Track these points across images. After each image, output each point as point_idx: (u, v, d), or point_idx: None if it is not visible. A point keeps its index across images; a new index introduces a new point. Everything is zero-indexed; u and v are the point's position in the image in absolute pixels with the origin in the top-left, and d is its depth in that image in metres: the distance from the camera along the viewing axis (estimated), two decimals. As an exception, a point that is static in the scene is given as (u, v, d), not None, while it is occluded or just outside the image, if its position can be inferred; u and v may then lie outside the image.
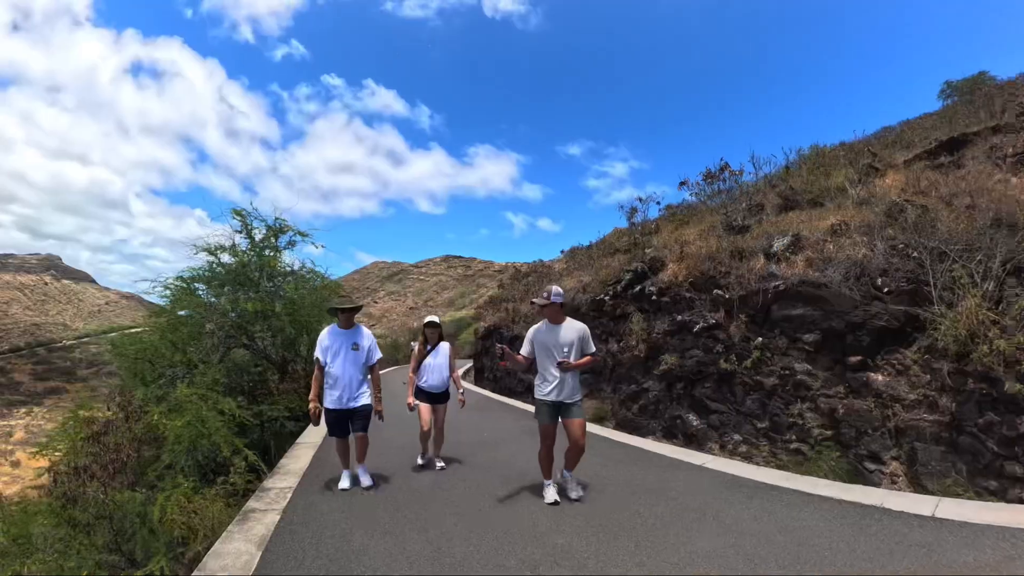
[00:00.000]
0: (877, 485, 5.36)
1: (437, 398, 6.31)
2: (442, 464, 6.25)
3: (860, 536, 3.58)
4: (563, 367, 4.67)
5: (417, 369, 6.30)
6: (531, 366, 4.98)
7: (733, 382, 7.27)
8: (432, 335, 6.34)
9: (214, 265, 8.87)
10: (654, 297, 9.28)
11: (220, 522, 4.73)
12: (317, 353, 5.44)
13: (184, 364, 7.64)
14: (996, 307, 5.42)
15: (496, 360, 4.93)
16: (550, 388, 4.78)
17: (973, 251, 5.86)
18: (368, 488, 5.25)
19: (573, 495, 4.75)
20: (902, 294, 6.12)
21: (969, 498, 4.74)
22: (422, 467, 6.17)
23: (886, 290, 6.24)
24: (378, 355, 5.59)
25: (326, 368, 5.36)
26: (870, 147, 11.78)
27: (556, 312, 4.82)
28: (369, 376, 5.52)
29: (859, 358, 6.06)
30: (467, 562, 3.53)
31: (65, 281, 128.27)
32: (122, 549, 5.64)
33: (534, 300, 4.98)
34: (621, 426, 8.93)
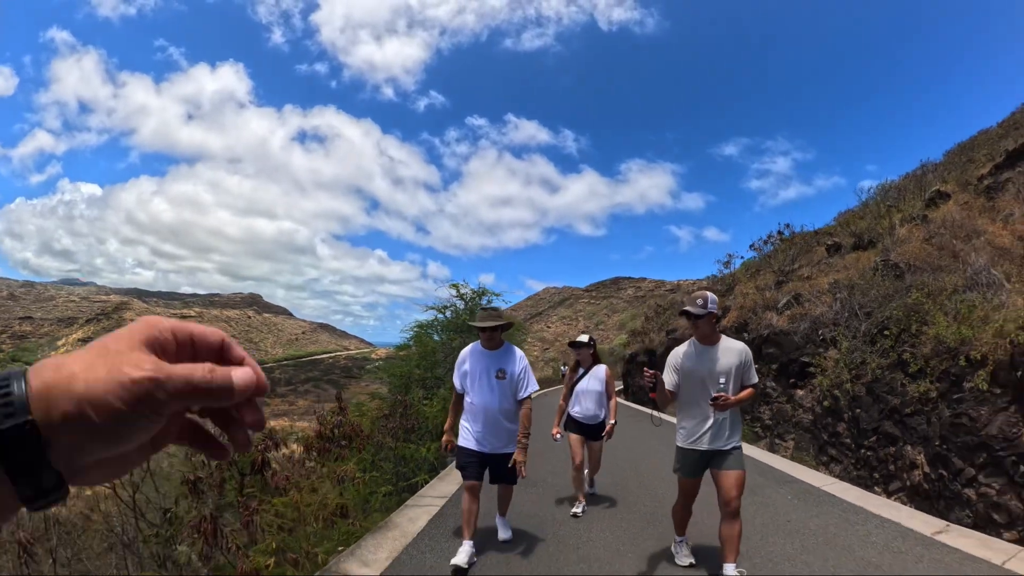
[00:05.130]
0: (777, 453, 10.86)
1: (591, 429, 5.89)
2: (593, 490, 6.22)
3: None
4: (718, 405, 3.78)
5: (569, 396, 5.98)
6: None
7: (740, 392, 13.14)
8: (584, 356, 6.00)
9: (440, 318, 16.50)
10: (717, 337, 15.21)
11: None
12: (455, 377, 4.74)
13: (433, 379, 15.21)
14: (864, 353, 10.68)
15: (647, 390, 3.84)
16: (700, 433, 3.95)
17: (875, 311, 11.04)
18: (506, 540, 4.84)
19: None
20: (827, 342, 11.58)
21: (812, 468, 9.05)
22: (576, 517, 5.59)
23: (822, 338, 11.68)
24: (533, 388, 4.59)
25: (465, 398, 4.65)
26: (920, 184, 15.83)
27: (710, 328, 3.96)
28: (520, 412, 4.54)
29: (793, 380, 11.55)
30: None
31: (266, 314, 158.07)
32: (397, 473, 9.04)
33: (687, 309, 3.93)
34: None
